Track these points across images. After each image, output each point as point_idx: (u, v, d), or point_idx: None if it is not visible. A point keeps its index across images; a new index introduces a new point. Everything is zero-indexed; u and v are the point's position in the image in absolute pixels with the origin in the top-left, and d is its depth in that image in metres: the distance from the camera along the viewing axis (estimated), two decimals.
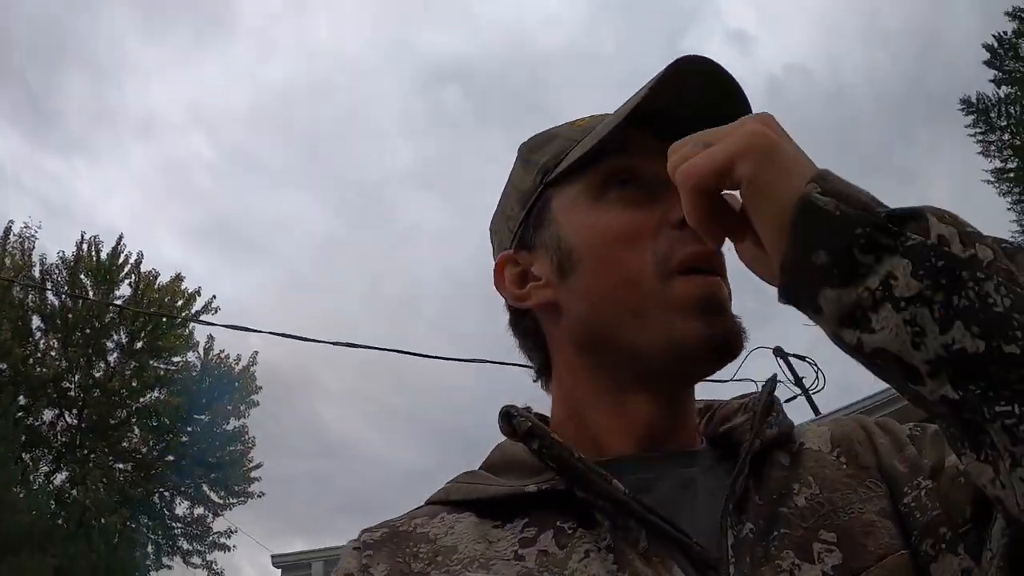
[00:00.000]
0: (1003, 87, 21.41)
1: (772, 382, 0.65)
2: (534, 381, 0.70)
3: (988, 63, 21.78)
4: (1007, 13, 20.14)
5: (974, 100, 21.86)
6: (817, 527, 0.52)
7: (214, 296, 16.14)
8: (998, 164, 21.29)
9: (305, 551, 6.56)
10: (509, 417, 0.57)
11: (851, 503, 0.54)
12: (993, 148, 21.49)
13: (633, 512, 0.51)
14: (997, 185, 21.82)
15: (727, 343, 0.57)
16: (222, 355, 16.27)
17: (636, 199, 0.60)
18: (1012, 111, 21.38)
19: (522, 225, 0.67)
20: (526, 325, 0.68)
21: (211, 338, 16.09)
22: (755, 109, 0.58)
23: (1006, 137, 21.14)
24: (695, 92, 0.58)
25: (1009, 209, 21.40)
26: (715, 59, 0.58)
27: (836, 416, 1.49)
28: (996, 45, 21.35)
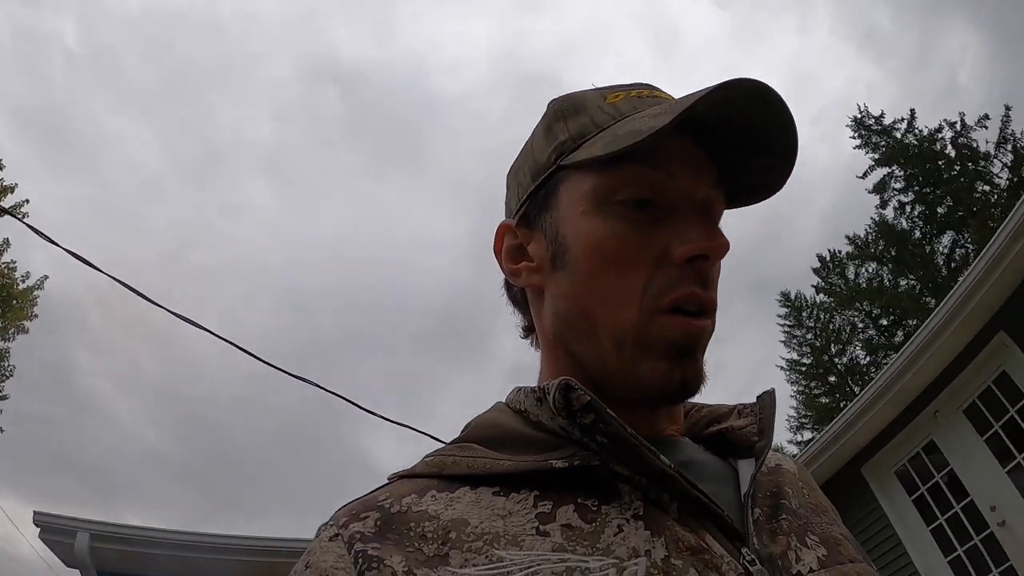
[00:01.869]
0: (820, 295, 24.69)
1: (772, 394, 0.66)
2: (522, 339, 0.71)
3: (816, 271, 25.13)
4: (847, 236, 23.62)
5: (792, 297, 25.21)
6: (805, 527, 0.56)
7: (27, 200, 15.37)
8: (795, 356, 24.51)
9: (75, 518, 5.58)
10: (569, 389, 0.53)
11: (820, 522, 0.59)
12: (795, 342, 24.73)
13: (672, 486, 0.51)
14: (788, 373, 24.91)
15: (685, 387, 0.57)
16: (10, 265, 15.00)
17: (645, 221, 0.57)
18: (821, 317, 24.73)
19: (529, 198, 0.64)
20: (516, 293, 0.70)
21: (7, 242, 15.15)
22: None
23: (809, 336, 24.38)
24: (745, 111, 0.55)
25: (791, 396, 24.44)
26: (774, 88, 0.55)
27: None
28: (828, 259, 24.74)
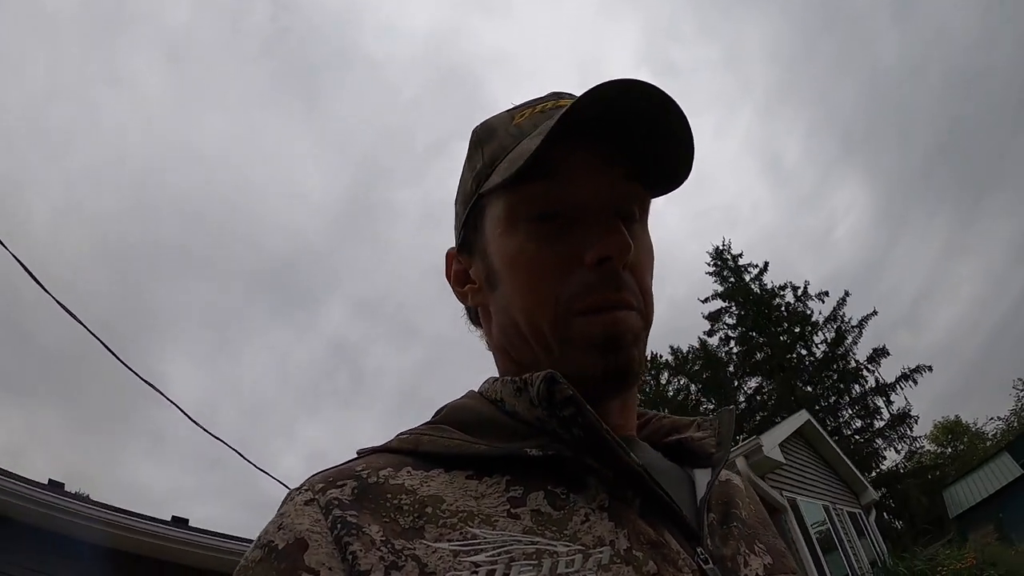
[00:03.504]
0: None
1: (733, 412, 0.70)
2: (488, 349, 0.71)
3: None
4: (670, 346, 24.86)
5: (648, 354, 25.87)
6: (753, 536, 0.61)
7: None
8: None
9: None
10: (554, 382, 0.55)
11: (766, 534, 0.64)
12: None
13: (636, 483, 0.54)
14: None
15: (623, 376, 0.59)
16: None
17: (550, 233, 0.60)
18: None
19: (464, 226, 0.68)
20: (472, 314, 0.73)
21: None
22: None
23: None
24: (633, 104, 0.57)
25: None
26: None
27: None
28: (648, 360, 25.42)
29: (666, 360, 25.63)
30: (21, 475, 4.31)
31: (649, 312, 0.62)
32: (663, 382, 25.61)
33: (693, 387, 25.32)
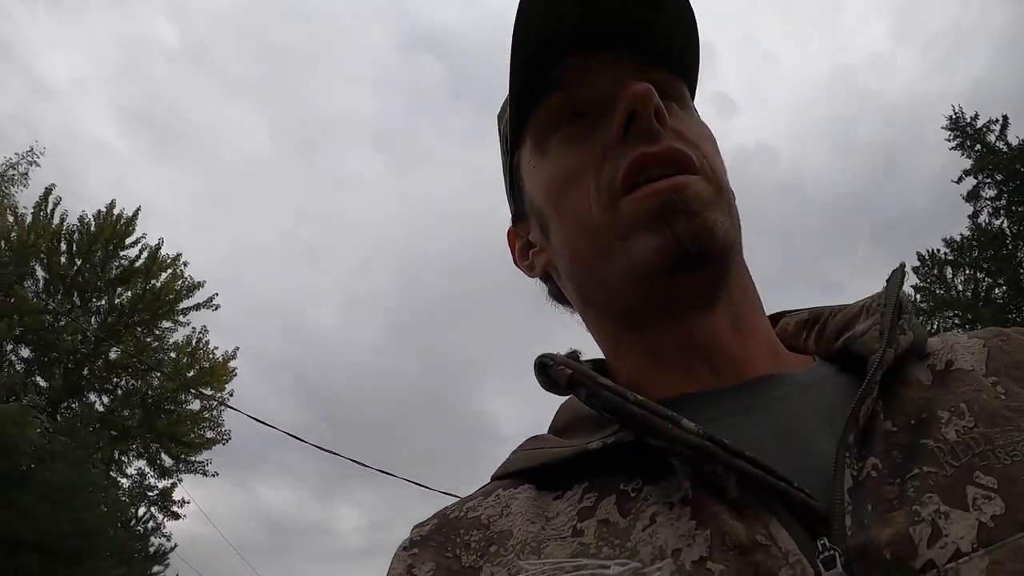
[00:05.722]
0: (919, 296, 24.65)
1: (900, 273, 0.53)
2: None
3: (916, 270, 25.02)
4: (943, 239, 23.73)
5: (926, 255, 24.88)
6: (972, 467, 0.39)
7: (216, 294, 16.66)
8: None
9: None
10: (544, 368, 0.50)
11: (1015, 444, 0.40)
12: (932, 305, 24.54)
13: (714, 456, 0.41)
14: None
15: (685, 246, 0.47)
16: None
17: (578, 135, 0.54)
18: (921, 320, 24.83)
19: (512, 196, 0.65)
20: (550, 290, 0.66)
21: (204, 330, 16.60)
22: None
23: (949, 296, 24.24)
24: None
25: None
26: None
27: (989, 328, 0.53)
28: (927, 258, 24.35)
29: (944, 254, 24.46)
30: None
31: (719, 177, 0.52)
32: (949, 279, 24.57)
33: (979, 275, 24.26)
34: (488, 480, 0.55)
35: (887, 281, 0.53)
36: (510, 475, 0.52)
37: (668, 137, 0.50)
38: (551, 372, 0.49)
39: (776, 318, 0.62)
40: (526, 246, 0.64)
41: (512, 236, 0.67)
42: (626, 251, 0.49)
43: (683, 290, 0.50)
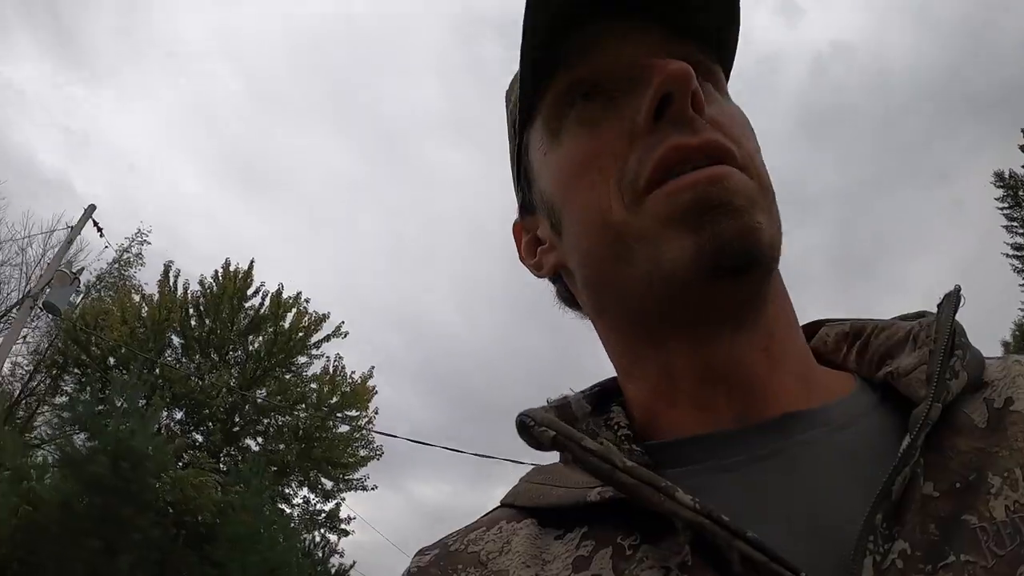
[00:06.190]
0: None
1: (955, 298, 0.46)
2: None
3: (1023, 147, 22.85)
4: None
5: (1006, 176, 23.14)
6: (1018, 560, 0.33)
7: (343, 322, 17.11)
8: (1020, 240, 22.65)
9: None
10: (525, 428, 0.47)
11: None
12: (1016, 224, 22.80)
13: (713, 533, 0.36)
14: (1015, 262, 23.07)
15: (727, 249, 0.41)
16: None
17: (597, 118, 0.47)
18: None
19: (520, 186, 0.59)
20: (559, 291, 0.60)
21: (339, 357, 17.22)
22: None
23: None
24: None
25: (1021, 286, 22.78)
26: None
27: None
28: None
29: None
30: None
31: (762, 175, 0.46)
32: None
33: None
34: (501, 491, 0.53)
35: (938, 307, 0.46)
36: (516, 507, 0.49)
37: (706, 128, 0.44)
38: (533, 433, 0.46)
39: (814, 327, 0.55)
40: (534, 242, 0.58)
41: (519, 230, 0.60)
42: (653, 255, 0.43)
43: (713, 302, 0.44)
